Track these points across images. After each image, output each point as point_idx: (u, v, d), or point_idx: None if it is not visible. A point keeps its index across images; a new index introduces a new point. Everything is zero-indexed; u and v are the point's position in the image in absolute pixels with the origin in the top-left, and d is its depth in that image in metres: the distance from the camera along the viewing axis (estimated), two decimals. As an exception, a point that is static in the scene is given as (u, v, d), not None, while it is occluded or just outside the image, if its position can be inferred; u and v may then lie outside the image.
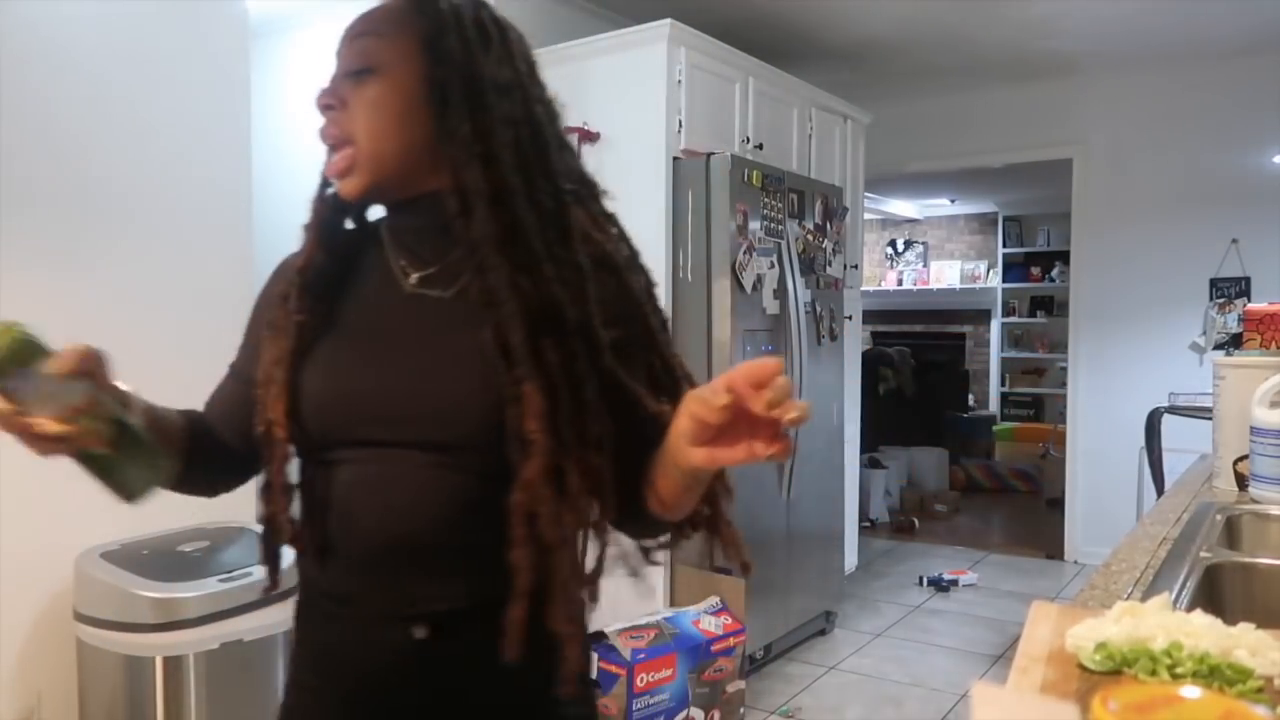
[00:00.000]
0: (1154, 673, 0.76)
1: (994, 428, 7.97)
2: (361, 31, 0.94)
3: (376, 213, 1.03)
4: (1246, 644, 0.77)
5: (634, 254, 0.99)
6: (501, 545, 0.85)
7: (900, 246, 9.12)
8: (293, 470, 0.97)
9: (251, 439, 0.96)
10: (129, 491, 0.86)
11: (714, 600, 2.99)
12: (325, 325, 0.96)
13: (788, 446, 0.71)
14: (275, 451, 0.93)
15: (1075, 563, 5.02)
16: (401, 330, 0.94)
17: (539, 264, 0.88)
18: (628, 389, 0.89)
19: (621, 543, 0.96)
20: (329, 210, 0.99)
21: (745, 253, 3.20)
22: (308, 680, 0.98)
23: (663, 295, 3.16)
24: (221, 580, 2.06)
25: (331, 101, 0.93)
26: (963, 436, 7.52)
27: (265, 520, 0.97)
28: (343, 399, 0.92)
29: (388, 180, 0.93)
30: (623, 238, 1.00)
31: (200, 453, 1.00)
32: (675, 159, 3.20)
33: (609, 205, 1.01)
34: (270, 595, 1.05)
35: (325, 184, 0.98)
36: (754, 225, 3.26)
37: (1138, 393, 4.55)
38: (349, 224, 1.03)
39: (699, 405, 0.72)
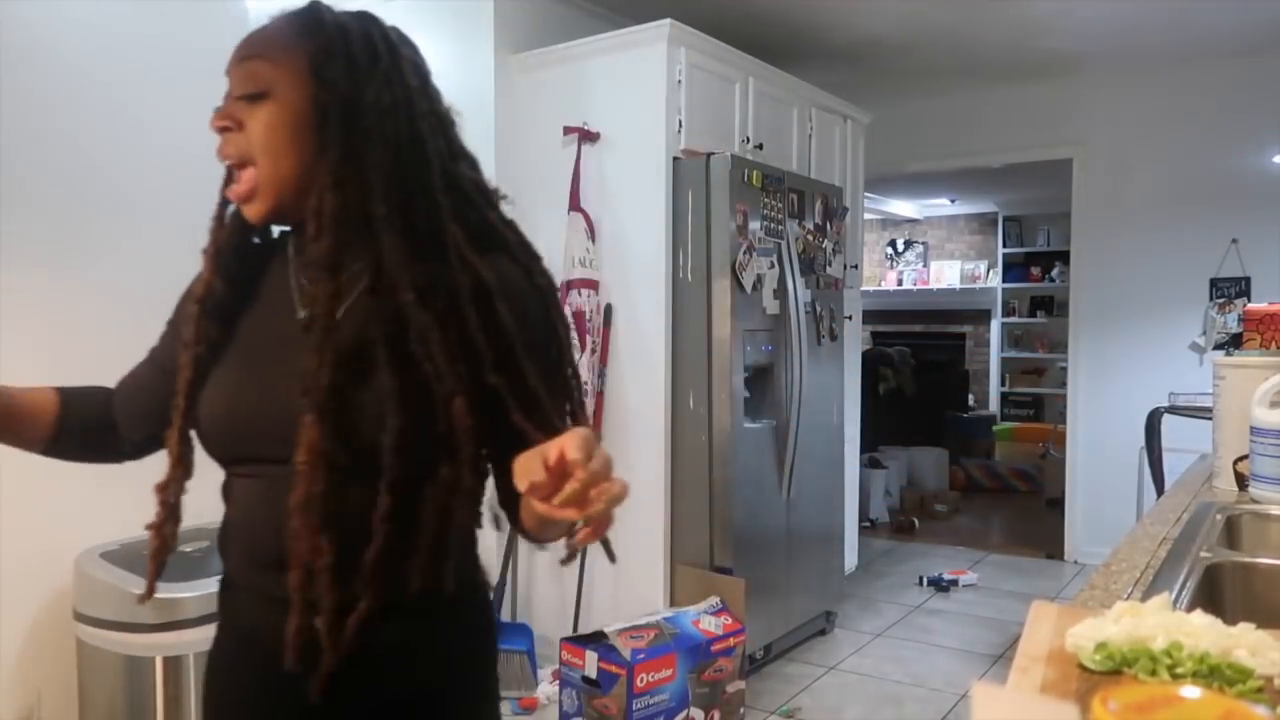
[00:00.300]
0: (1154, 673, 0.76)
1: (994, 428, 7.98)
2: (251, 55, 0.95)
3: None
4: (1246, 644, 0.77)
5: (532, 260, 1.01)
6: (390, 550, 0.90)
7: (900, 246, 9.12)
8: (187, 486, 1.03)
9: (150, 421, 1.03)
10: None
11: (714, 600, 2.99)
12: (225, 345, 1.01)
13: (592, 532, 0.76)
14: (170, 473, 1.00)
15: (1075, 563, 5.02)
16: (291, 354, 0.96)
17: (396, 287, 0.90)
18: (507, 407, 0.92)
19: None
20: (229, 234, 1.02)
21: (745, 253, 3.20)
22: (229, 649, 1.05)
23: (662, 295, 3.19)
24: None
25: (228, 124, 0.94)
26: (963, 436, 7.52)
27: (149, 529, 1.02)
28: (235, 421, 0.98)
29: (288, 201, 0.95)
30: (521, 244, 1.02)
31: (79, 429, 1.07)
32: (675, 159, 3.20)
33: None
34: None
35: (224, 203, 1.00)
36: (754, 225, 3.26)
37: (1138, 393, 4.55)
38: (255, 240, 1.05)
39: (519, 476, 0.76)
